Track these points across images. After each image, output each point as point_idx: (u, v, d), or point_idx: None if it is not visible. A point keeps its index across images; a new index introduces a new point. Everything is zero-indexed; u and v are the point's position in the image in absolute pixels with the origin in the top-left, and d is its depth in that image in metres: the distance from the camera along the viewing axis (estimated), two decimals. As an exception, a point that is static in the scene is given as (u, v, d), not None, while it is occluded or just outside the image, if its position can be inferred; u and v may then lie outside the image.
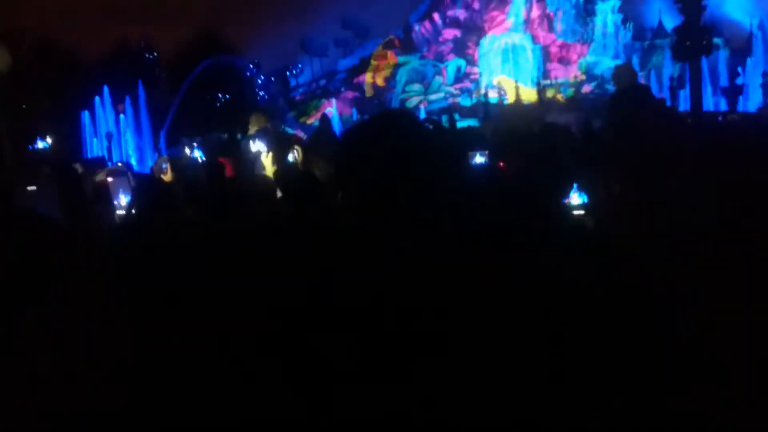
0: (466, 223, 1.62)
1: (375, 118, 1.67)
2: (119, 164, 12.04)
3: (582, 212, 2.73)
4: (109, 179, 6.57)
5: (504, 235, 1.69)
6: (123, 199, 6.31)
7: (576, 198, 2.87)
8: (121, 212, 5.78)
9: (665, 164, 2.22)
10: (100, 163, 14.75)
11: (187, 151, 9.99)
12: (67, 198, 4.53)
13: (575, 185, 2.81)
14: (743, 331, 1.64)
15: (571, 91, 28.58)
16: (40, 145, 16.49)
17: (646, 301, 1.65)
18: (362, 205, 1.52)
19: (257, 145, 6.73)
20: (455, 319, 1.41)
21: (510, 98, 27.80)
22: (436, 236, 1.48)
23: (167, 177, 7.59)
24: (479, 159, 4.74)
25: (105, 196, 4.80)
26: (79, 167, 6.98)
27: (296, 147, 5.51)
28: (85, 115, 28.85)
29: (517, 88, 27.52)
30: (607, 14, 30.04)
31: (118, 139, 28.81)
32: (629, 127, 2.88)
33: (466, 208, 1.69)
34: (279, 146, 4.99)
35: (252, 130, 7.75)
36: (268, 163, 5.29)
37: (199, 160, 8.87)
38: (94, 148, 28.14)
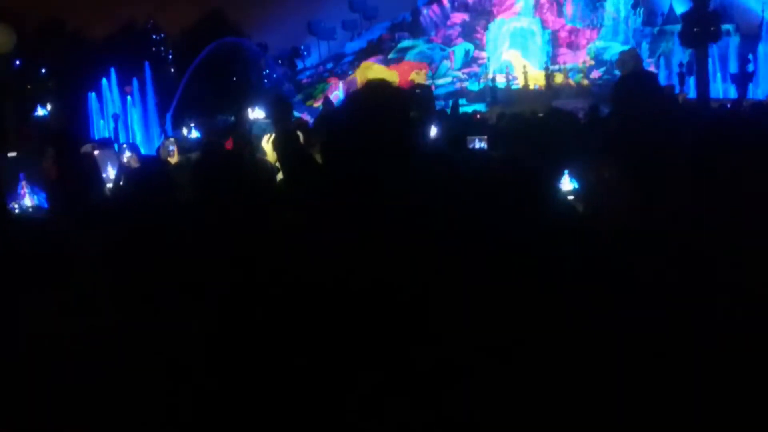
0: (454, 205, 1.60)
1: (355, 93, 1.69)
2: (124, 145, 12.01)
3: (572, 198, 2.70)
4: (96, 152, 6.44)
5: (492, 218, 1.66)
6: (111, 172, 6.18)
7: (567, 183, 2.83)
8: (109, 185, 5.66)
9: (662, 154, 2.18)
10: (107, 144, 14.72)
11: (185, 131, 9.93)
12: (65, 168, 4.49)
13: (566, 171, 2.77)
14: (729, 323, 1.61)
15: (579, 76, 28.38)
16: (40, 112, 16.43)
17: (628, 289, 1.63)
18: (343, 181, 1.52)
19: (256, 112, 6.58)
20: (436, 297, 1.40)
21: (518, 83, 27.64)
22: (417, 216, 1.47)
23: (174, 159, 7.53)
24: (479, 144, 4.69)
25: (93, 168, 4.72)
26: (89, 147, 6.90)
27: (298, 131, 5.44)
28: (92, 97, 28.87)
29: (525, 73, 27.34)
30: (617, -1, 29.82)
31: (125, 121, 28.82)
32: (631, 115, 2.82)
33: (454, 190, 1.67)
34: (278, 111, 4.89)
35: (257, 113, 7.65)
36: (269, 149, 5.23)
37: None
38: (101, 129, 28.16)
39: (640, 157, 2.13)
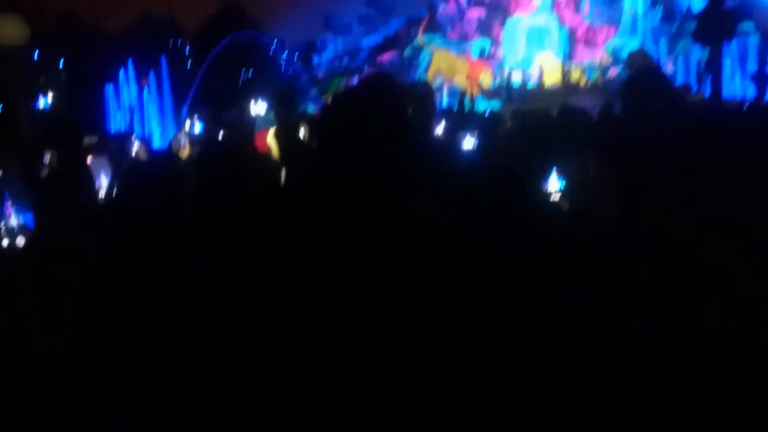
0: (440, 203, 1.57)
1: (351, 86, 1.68)
2: (134, 137, 12.03)
3: (558, 196, 2.66)
4: (89, 158, 6.34)
5: (476, 218, 1.64)
6: (104, 181, 6.10)
7: (555, 182, 2.78)
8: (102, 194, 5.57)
9: (655, 153, 2.14)
10: (125, 139, 14.76)
11: (187, 124, 9.94)
12: (65, 162, 4.50)
13: (554, 169, 2.73)
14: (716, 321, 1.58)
15: (596, 74, 28.12)
16: (41, 103, 16.32)
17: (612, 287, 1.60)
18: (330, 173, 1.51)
19: (258, 107, 6.53)
20: (425, 293, 1.39)
21: (533, 80, 27.46)
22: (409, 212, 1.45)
23: (185, 152, 7.54)
24: (469, 141, 4.61)
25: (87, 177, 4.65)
26: (89, 139, 6.89)
27: (303, 125, 5.41)
28: (109, 89, 29.02)
29: (541, 71, 27.15)
30: (635, -4, 29.48)
31: (141, 113, 28.96)
32: (633, 114, 2.78)
33: (441, 188, 1.65)
34: (280, 103, 4.83)
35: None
36: (273, 144, 5.21)
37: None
38: (118, 121, 28.33)
39: (628, 156, 2.09)
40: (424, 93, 1.55)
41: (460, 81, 27.59)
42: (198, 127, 9.51)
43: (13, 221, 5.81)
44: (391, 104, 1.51)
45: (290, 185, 3.71)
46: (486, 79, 27.30)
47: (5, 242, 5.59)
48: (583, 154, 3.19)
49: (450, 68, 27.98)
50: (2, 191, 5.35)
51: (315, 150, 1.66)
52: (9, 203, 5.94)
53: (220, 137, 6.99)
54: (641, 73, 4.07)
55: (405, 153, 1.49)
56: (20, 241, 5.46)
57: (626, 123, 3.30)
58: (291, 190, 3.57)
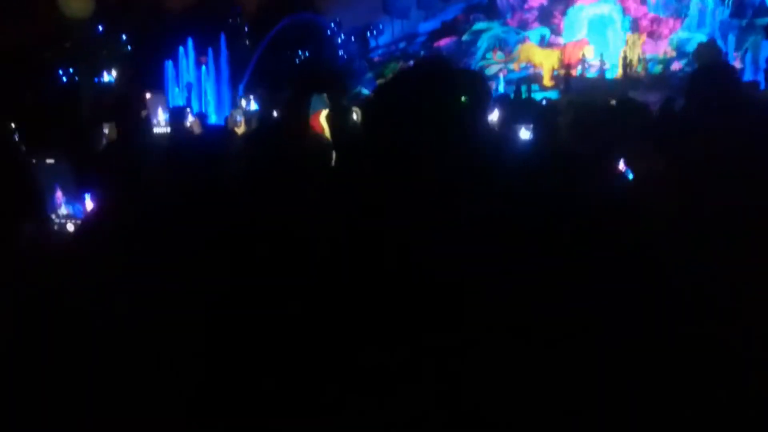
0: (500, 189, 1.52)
1: (405, 70, 1.64)
2: (188, 109, 12.19)
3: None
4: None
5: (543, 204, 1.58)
6: (161, 115, 6.28)
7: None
8: (158, 130, 5.75)
9: (721, 149, 2.03)
10: (181, 112, 15.02)
11: (243, 102, 10.05)
12: (124, 136, 4.58)
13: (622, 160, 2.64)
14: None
15: (659, 67, 27.36)
16: (105, 78, 16.78)
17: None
18: (384, 161, 1.47)
19: (314, 102, 6.59)
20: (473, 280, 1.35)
21: (593, 71, 26.89)
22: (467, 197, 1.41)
23: (240, 129, 7.63)
24: (524, 134, 4.50)
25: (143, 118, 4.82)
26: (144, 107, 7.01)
27: (355, 108, 5.40)
28: (169, 65, 29.53)
29: (601, 61, 26.56)
30: (705, -12, 28.53)
31: (199, 90, 29.39)
32: (701, 108, 2.66)
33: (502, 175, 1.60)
34: (333, 86, 4.88)
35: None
36: (325, 125, 5.21)
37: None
38: (176, 97, 28.81)
39: (693, 152, 2.00)
40: (479, 79, 1.50)
41: (553, 68, 27.15)
42: (253, 106, 9.62)
43: (63, 210, 5.99)
44: (447, 89, 1.46)
45: (340, 167, 3.70)
46: (588, 52, 26.80)
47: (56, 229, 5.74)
48: (640, 147, 3.10)
49: (542, 58, 27.61)
50: (53, 181, 5.48)
51: (367, 133, 1.61)
52: (59, 193, 6.11)
53: (275, 116, 7.03)
54: (709, 67, 3.93)
55: (461, 139, 1.44)
56: (70, 229, 5.59)
57: (690, 116, 3.17)
58: (340, 172, 3.56)
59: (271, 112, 7.28)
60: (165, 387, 1.87)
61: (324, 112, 5.44)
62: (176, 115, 10.02)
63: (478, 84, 1.53)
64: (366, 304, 1.40)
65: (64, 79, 24.76)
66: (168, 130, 5.52)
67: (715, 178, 1.87)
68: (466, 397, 1.34)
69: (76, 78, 21.80)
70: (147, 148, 4.62)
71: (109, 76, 17.74)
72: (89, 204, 3.87)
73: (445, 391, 1.34)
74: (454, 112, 1.46)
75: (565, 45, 28.31)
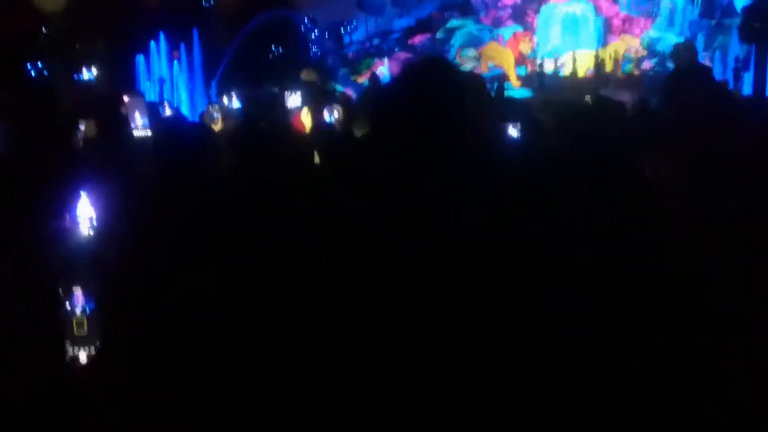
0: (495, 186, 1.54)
1: (410, 68, 1.63)
2: (166, 102, 12.07)
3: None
4: (125, 98, 6.53)
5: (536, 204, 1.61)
6: (139, 120, 6.22)
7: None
8: (138, 133, 5.71)
9: (716, 151, 2.09)
10: (140, 95, 14.81)
11: (225, 100, 10.00)
12: (106, 134, 4.54)
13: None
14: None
15: (630, 66, 27.72)
16: (86, 75, 16.54)
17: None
18: (394, 157, 1.47)
19: (294, 99, 6.59)
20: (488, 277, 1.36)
21: (566, 70, 27.13)
22: (468, 194, 1.41)
23: (218, 126, 7.57)
24: (512, 132, 4.54)
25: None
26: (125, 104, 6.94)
27: (336, 106, 5.40)
28: (140, 59, 29.18)
29: (574, 60, 26.82)
30: (676, -12, 28.93)
31: (171, 85, 29.10)
32: (683, 110, 2.72)
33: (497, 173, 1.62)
34: (317, 102, 4.90)
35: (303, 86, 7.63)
36: (307, 121, 5.21)
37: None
38: (148, 92, 28.48)
39: (695, 155, 2.05)
40: (479, 81, 1.50)
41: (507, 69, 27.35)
42: (233, 103, 9.56)
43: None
44: (452, 91, 1.47)
45: (326, 166, 3.71)
46: (525, 47, 27.02)
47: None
48: (619, 147, 3.15)
49: (501, 59, 27.81)
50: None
51: (374, 132, 1.61)
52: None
53: (254, 113, 7.01)
54: (689, 68, 4.03)
55: (469, 142, 1.46)
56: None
57: (668, 117, 3.25)
58: (327, 171, 3.58)
59: (252, 109, 7.26)
60: (170, 392, 1.87)
61: (305, 110, 5.45)
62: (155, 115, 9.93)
63: (480, 87, 1.55)
64: (374, 305, 1.41)
65: (33, 73, 24.40)
66: (147, 133, 5.45)
67: (714, 177, 1.92)
68: (480, 398, 1.36)
69: (45, 72, 21.47)
70: (132, 146, 4.59)
71: (89, 73, 17.50)
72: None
73: (461, 392, 1.36)
74: (465, 115, 1.47)
75: (507, 40, 28.70)
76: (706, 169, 1.97)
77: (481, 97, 1.38)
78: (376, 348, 1.40)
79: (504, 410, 1.36)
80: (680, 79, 3.02)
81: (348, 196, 1.65)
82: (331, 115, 5.33)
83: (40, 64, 24.05)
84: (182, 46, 29.87)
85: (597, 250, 1.53)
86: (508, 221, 1.42)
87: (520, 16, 30.39)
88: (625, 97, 14.61)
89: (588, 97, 16.17)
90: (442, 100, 1.44)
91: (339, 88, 26.73)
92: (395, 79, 1.59)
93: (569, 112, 5.93)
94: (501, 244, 1.40)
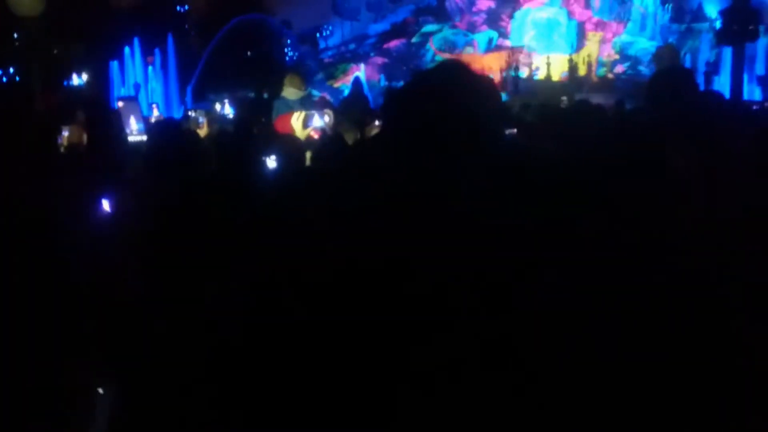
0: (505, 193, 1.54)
1: (429, 72, 1.58)
2: (154, 105, 12.00)
3: None
4: (120, 104, 6.53)
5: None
6: (134, 124, 6.25)
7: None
8: (132, 138, 5.73)
9: (706, 149, 2.18)
10: (134, 100, 14.69)
11: (218, 106, 9.97)
12: (98, 138, 4.54)
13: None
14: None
15: (603, 70, 28.12)
16: (75, 81, 16.40)
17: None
18: (410, 162, 1.42)
19: (287, 91, 6.67)
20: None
21: (541, 73, 27.43)
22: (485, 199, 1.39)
23: (203, 131, 7.58)
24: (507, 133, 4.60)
25: (116, 122, 4.75)
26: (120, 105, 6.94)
27: (327, 111, 5.47)
28: (114, 65, 28.94)
29: (548, 64, 27.12)
30: (646, -6, 29.42)
31: (146, 91, 28.89)
32: (670, 110, 2.83)
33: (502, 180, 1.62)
34: (307, 107, 4.98)
35: (287, 92, 7.65)
36: (298, 126, 5.28)
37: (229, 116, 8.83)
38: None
39: (681, 155, 2.12)
40: (493, 84, 1.50)
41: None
42: (228, 110, 9.56)
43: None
44: (473, 94, 1.48)
45: (318, 170, 3.77)
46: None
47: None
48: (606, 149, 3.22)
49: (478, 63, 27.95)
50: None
51: (387, 138, 1.57)
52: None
53: (241, 118, 7.04)
54: (672, 69, 4.15)
55: (486, 144, 1.46)
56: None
57: (653, 116, 3.36)
58: (327, 173, 3.63)
59: (241, 114, 7.29)
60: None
61: (296, 114, 5.52)
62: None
63: (495, 90, 1.56)
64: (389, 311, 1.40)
65: (4, 79, 24.08)
66: (143, 138, 5.48)
67: (700, 177, 2.00)
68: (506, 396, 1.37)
69: (17, 78, 21.22)
70: (125, 152, 4.61)
71: (78, 79, 17.38)
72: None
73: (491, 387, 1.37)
74: (485, 116, 1.48)
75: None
76: (692, 168, 2.05)
77: (497, 99, 1.40)
78: (386, 354, 1.41)
79: (519, 415, 1.38)
80: (665, 79, 3.13)
81: (364, 197, 1.62)
82: (322, 119, 5.41)
83: (11, 69, 23.79)
84: (157, 51, 29.67)
85: (605, 254, 1.56)
86: (528, 223, 1.43)
87: (494, 21, 30.66)
88: (600, 99, 14.83)
89: (564, 100, 16.43)
90: (465, 102, 1.44)
91: (315, 93, 26.75)
92: (413, 83, 1.56)
93: (553, 114, 6.04)
94: (519, 248, 1.42)
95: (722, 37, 9.08)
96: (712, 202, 1.89)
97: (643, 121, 3.32)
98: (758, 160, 1.99)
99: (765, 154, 1.99)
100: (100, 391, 2.39)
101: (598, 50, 28.05)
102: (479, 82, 1.50)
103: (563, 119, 5.55)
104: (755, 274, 1.71)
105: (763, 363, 1.46)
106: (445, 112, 1.43)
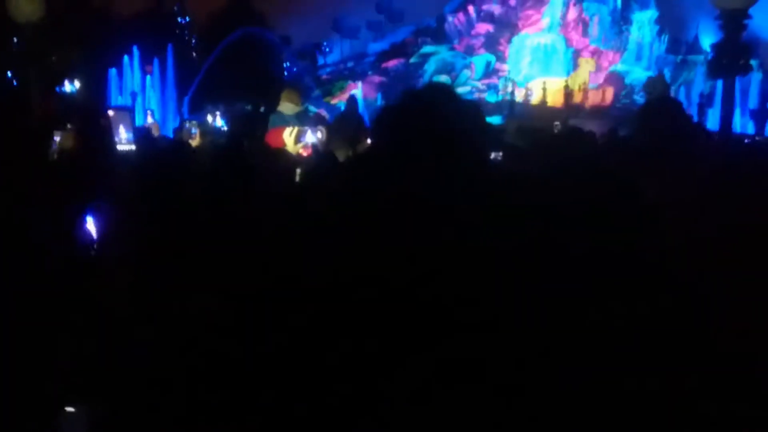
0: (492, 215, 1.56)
1: (417, 92, 1.60)
2: (149, 111, 12.01)
3: None
4: (111, 113, 6.54)
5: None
6: (123, 134, 6.26)
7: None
8: (122, 147, 5.74)
9: (690, 178, 2.21)
10: (126, 110, 14.71)
11: (209, 118, 10.00)
12: (88, 144, 4.54)
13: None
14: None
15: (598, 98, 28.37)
16: (68, 88, 16.40)
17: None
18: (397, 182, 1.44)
19: (283, 106, 6.71)
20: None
21: (536, 99, 27.63)
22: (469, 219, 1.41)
23: (195, 142, 7.60)
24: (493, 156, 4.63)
25: (107, 130, 4.76)
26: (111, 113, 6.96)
27: (320, 128, 5.50)
28: (112, 73, 29.01)
29: (544, 90, 27.33)
30: (643, 24, 29.71)
31: (143, 100, 28.94)
32: (660, 139, 2.86)
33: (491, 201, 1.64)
34: (302, 123, 5.02)
35: (284, 107, 7.68)
36: (290, 141, 5.30)
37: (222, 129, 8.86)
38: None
39: (665, 181, 2.16)
40: (479, 110, 1.53)
41: None
42: (216, 121, 9.59)
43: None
44: (457, 116, 1.50)
45: (311, 184, 3.78)
46: None
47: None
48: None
49: None
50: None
51: (370, 156, 1.59)
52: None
53: (232, 131, 7.07)
54: (662, 99, 4.21)
55: (469, 166, 1.48)
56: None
57: (640, 146, 3.40)
58: (315, 190, 3.63)
59: (233, 127, 7.32)
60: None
61: (288, 129, 5.53)
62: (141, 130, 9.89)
63: (480, 115, 1.59)
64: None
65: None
66: (132, 147, 5.51)
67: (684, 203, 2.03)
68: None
69: (15, 83, 21.25)
70: (115, 159, 4.60)
71: (71, 86, 17.40)
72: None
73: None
74: (468, 140, 1.51)
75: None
76: (676, 194, 2.08)
77: (481, 124, 1.42)
78: (381, 363, 1.42)
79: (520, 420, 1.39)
80: (654, 108, 3.17)
81: (356, 211, 1.62)
82: (315, 135, 5.43)
83: (8, 74, 23.81)
84: (156, 61, 29.77)
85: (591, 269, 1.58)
86: (510, 242, 1.45)
87: (492, 44, 30.93)
88: (593, 126, 14.93)
89: (557, 124, 16.55)
90: (447, 125, 1.47)
91: (312, 108, 26.85)
92: (401, 103, 1.58)
93: (544, 138, 6.09)
94: (503, 263, 1.44)
95: (713, 70, 9.19)
96: (682, 222, 1.93)
97: (628, 147, 3.36)
98: (720, 188, 2.03)
99: (727, 182, 2.03)
100: (70, 409, 2.36)
101: (588, 77, 28.30)
102: (464, 104, 1.53)
103: (552, 144, 5.60)
104: (728, 285, 1.74)
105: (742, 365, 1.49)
106: (430, 132, 1.45)
